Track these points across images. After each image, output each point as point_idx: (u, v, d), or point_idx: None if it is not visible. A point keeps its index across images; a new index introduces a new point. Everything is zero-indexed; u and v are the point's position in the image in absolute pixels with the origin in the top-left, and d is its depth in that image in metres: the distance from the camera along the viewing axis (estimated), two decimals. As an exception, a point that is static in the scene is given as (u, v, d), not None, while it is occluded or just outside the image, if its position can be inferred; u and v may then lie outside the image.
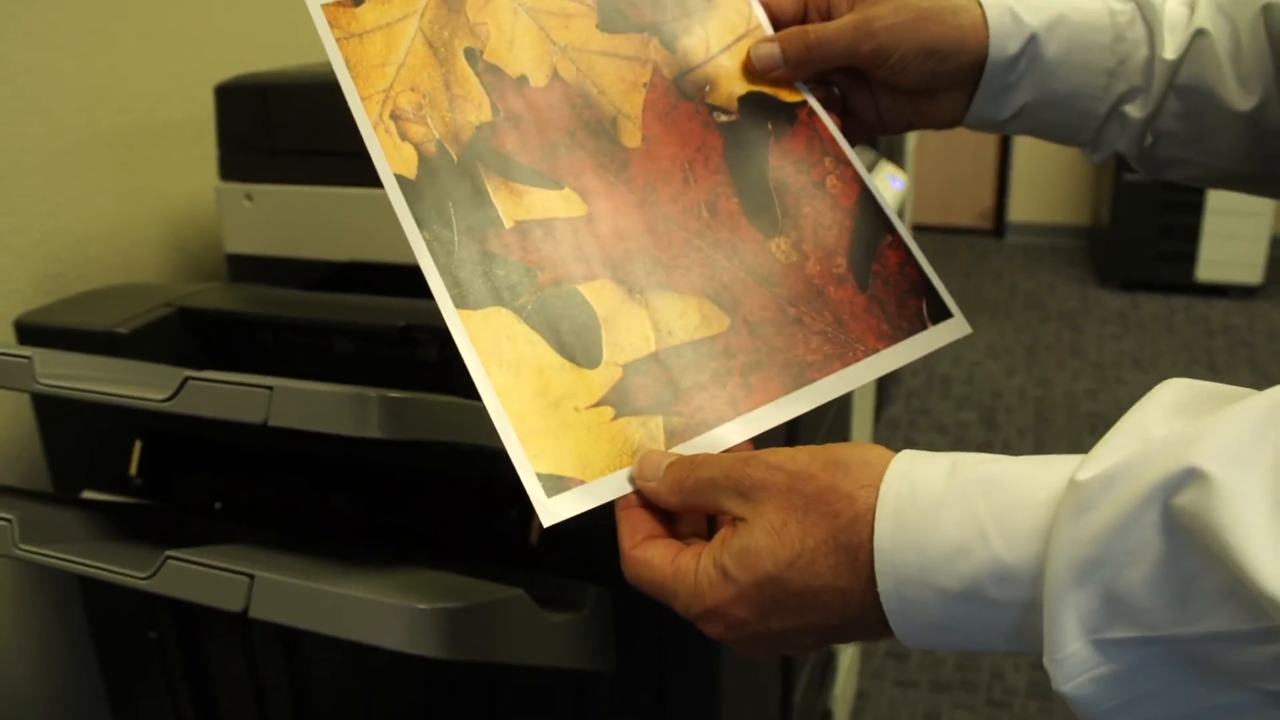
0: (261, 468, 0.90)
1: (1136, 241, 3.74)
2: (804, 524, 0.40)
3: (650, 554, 0.45)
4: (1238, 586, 0.31)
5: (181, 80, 1.21)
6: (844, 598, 0.40)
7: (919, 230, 4.40)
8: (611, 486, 0.47)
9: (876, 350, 0.53)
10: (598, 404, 0.48)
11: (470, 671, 0.82)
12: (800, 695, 1.16)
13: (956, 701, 1.91)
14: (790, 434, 0.85)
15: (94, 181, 1.11)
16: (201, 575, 0.62)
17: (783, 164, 0.57)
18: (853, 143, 0.60)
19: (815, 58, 0.58)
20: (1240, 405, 0.33)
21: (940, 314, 0.55)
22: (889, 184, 1.55)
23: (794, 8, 0.60)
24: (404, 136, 0.51)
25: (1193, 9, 0.58)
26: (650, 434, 0.48)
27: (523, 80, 0.55)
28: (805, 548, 0.40)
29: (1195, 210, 3.62)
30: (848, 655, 1.63)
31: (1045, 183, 4.38)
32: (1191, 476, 0.32)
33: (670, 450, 0.48)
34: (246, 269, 1.08)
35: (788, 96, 0.59)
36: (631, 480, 0.47)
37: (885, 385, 2.83)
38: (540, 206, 0.52)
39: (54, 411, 0.92)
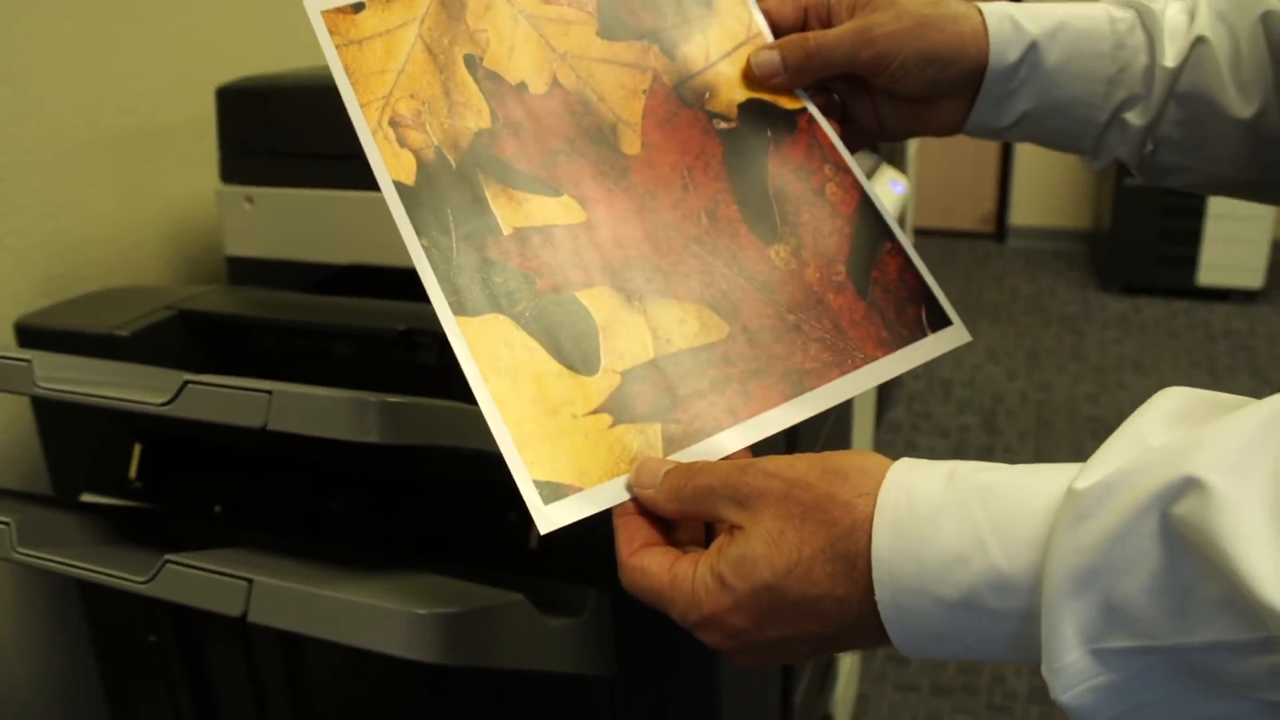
0: (261, 471, 0.90)
1: (1137, 246, 3.74)
2: (801, 532, 0.40)
3: (647, 562, 0.45)
4: (1236, 596, 0.31)
5: (182, 82, 1.21)
6: (841, 606, 0.40)
7: (920, 234, 4.41)
8: (609, 494, 0.47)
9: (875, 358, 0.53)
10: (595, 411, 0.48)
11: (470, 676, 0.82)
12: (800, 699, 1.16)
13: (957, 706, 1.91)
14: (790, 438, 0.85)
15: (94, 183, 1.11)
16: (200, 579, 0.62)
17: (782, 171, 0.57)
18: (853, 150, 0.60)
19: (815, 65, 0.58)
20: (1239, 414, 0.33)
21: (940, 322, 0.55)
22: (890, 188, 1.55)
23: (794, 15, 0.60)
24: (403, 143, 0.51)
25: (1193, 16, 0.58)
26: (648, 441, 0.48)
27: (522, 87, 0.55)
28: (803, 556, 0.40)
29: (1196, 214, 3.62)
30: (848, 659, 1.63)
31: (1046, 187, 4.38)
32: (1190, 485, 0.32)
33: (668, 458, 0.48)
34: (247, 272, 1.08)
35: (788, 103, 0.59)
36: (629, 488, 0.47)
37: (886, 389, 2.83)
38: (539, 213, 0.52)
39: (54, 414, 0.92)
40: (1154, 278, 3.77)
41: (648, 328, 0.51)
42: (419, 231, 0.49)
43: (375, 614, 0.58)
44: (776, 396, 0.51)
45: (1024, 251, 4.39)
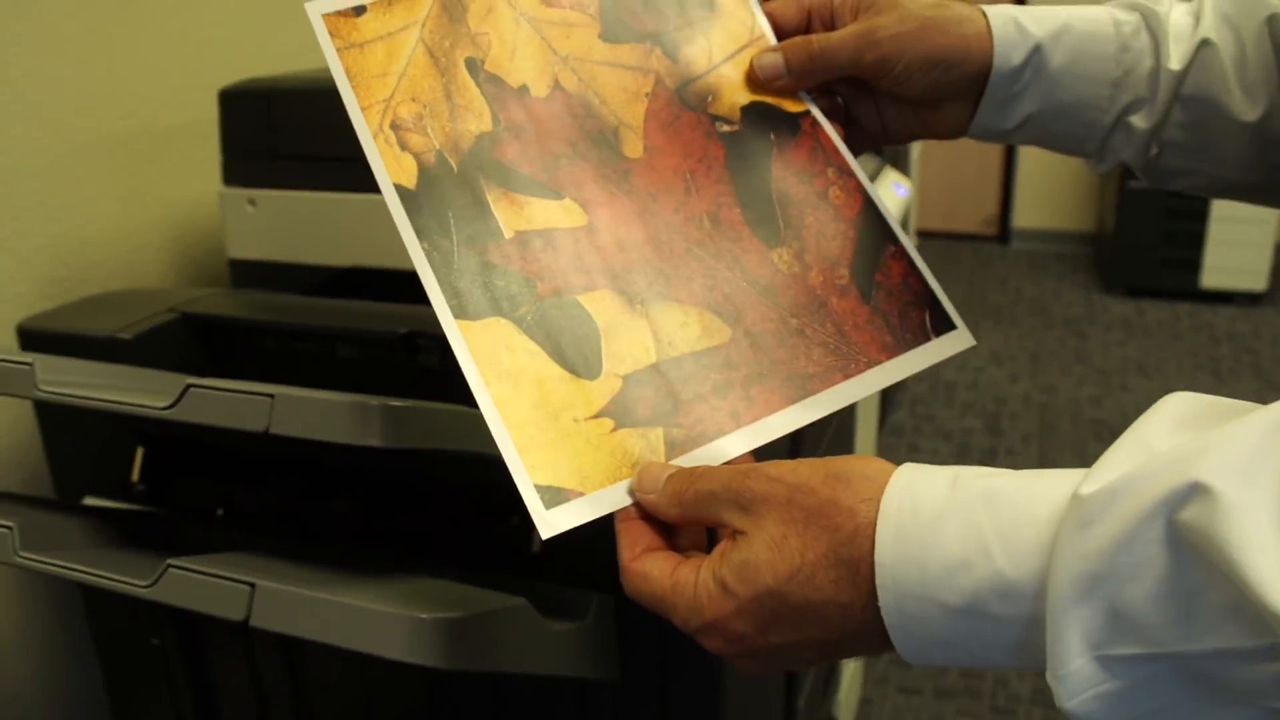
0: (263, 474, 0.90)
1: (1141, 248, 3.73)
2: (804, 537, 0.40)
3: (649, 567, 0.45)
4: (1243, 603, 0.31)
5: (185, 85, 1.21)
6: (845, 612, 0.40)
7: (923, 236, 4.40)
8: (611, 498, 0.47)
9: (879, 362, 0.53)
10: (597, 415, 0.48)
11: (473, 680, 0.82)
12: (804, 702, 1.16)
13: (960, 708, 1.90)
14: (793, 443, 0.85)
15: (97, 186, 1.11)
16: (202, 584, 0.62)
17: (785, 174, 0.57)
18: (856, 153, 0.59)
19: (819, 67, 0.58)
20: (1245, 419, 0.33)
21: (943, 326, 0.55)
22: (893, 191, 1.55)
23: (797, 17, 0.60)
24: (404, 146, 0.51)
25: (1198, 19, 0.58)
26: (650, 445, 0.48)
27: (524, 90, 0.54)
28: (805, 561, 0.40)
29: (1200, 217, 3.62)
30: (852, 662, 1.63)
31: (1050, 189, 4.38)
32: (1196, 491, 0.32)
33: (670, 462, 0.48)
34: (249, 274, 1.08)
35: (791, 106, 0.59)
36: (631, 492, 0.47)
37: (890, 392, 2.83)
38: (540, 217, 0.52)
39: (56, 418, 0.92)
40: (1158, 280, 3.76)
41: (650, 331, 0.50)
42: (420, 235, 0.49)
43: (378, 618, 0.58)
44: (779, 401, 0.50)
45: (1027, 254, 4.39)
